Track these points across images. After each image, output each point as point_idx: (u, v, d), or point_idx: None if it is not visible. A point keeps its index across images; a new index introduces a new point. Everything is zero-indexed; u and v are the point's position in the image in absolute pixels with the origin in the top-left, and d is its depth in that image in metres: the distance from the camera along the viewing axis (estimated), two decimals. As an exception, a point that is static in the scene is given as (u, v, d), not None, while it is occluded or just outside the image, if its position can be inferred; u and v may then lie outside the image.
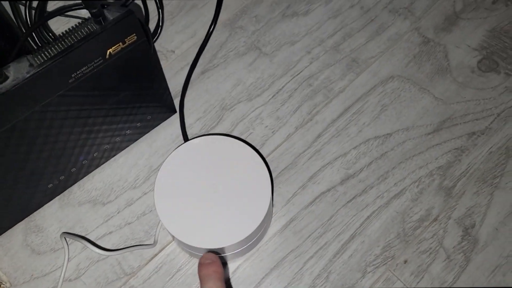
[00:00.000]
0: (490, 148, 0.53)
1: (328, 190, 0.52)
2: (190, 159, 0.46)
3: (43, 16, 0.54)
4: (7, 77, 0.38)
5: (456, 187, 0.51)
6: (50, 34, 0.54)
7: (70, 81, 0.41)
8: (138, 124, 0.52)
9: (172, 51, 0.59)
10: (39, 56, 0.39)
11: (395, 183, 0.52)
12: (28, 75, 0.37)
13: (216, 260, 0.36)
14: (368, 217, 0.50)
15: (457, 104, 0.56)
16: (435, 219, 0.50)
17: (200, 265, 0.36)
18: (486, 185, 0.51)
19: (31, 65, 0.38)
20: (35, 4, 0.56)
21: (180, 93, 0.56)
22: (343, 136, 0.54)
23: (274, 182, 0.52)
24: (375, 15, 0.61)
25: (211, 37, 0.59)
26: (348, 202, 0.51)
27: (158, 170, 0.46)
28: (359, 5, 0.61)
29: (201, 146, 0.47)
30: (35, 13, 0.54)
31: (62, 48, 0.39)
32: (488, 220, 0.50)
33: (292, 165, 0.53)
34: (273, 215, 0.51)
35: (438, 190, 0.51)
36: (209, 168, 0.45)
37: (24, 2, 0.54)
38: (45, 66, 0.38)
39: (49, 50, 0.39)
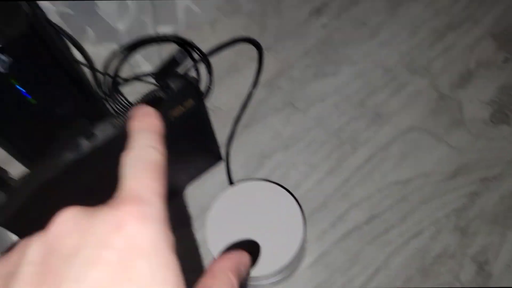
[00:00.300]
0: (501, 193, 0.59)
1: (355, 228, 0.59)
2: (235, 200, 0.55)
3: (117, 82, 0.66)
4: (95, 136, 0.49)
5: (470, 227, 0.58)
6: (123, 98, 0.66)
7: (141, 137, 0.51)
8: (192, 171, 0.62)
9: (219, 108, 0.69)
10: (119, 118, 0.49)
11: (414, 223, 0.59)
12: (112, 134, 0.48)
13: (152, 113, 0.26)
14: (391, 253, 0.57)
15: (471, 153, 0.62)
16: (452, 256, 0.56)
17: (131, 118, 0.25)
18: (498, 226, 0.57)
19: (114, 126, 0.49)
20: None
21: (226, 143, 0.66)
22: (368, 181, 0.62)
23: (307, 220, 0.60)
24: (396, 74, 0.69)
25: (252, 96, 0.69)
26: (373, 239, 0.58)
27: (208, 209, 0.55)
28: (382, 66, 0.70)
29: (244, 189, 0.56)
30: (110, 80, 0.66)
31: (137, 113, 0.49)
32: (501, 257, 0.55)
33: (323, 206, 0.61)
34: (306, 249, 0.58)
35: (454, 230, 0.58)
36: (251, 208, 0.54)
37: (101, 71, 0.67)
38: (125, 127, 0.48)
39: (126, 114, 0.50)
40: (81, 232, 0.18)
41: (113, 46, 0.73)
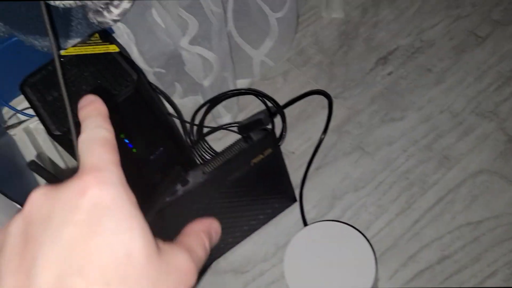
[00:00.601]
0: None
1: (427, 268, 0.61)
2: (309, 240, 0.60)
3: (202, 132, 0.74)
4: (188, 181, 0.56)
5: (546, 270, 0.58)
6: (207, 145, 0.74)
7: (227, 182, 0.58)
8: (269, 211, 0.68)
9: (293, 152, 0.75)
10: (208, 166, 0.57)
11: (488, 265, 0.60)
12: (202, 180, 0.55)
13: (96, 99, 0.26)
14: (463, 294, 0.59)
15: (544, 195, 0.63)
16: (528, 299, 0.57)
17: (78, 109, 0.26)
18: None
19: (203, 172, 0.56)
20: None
21: (300, 185, 0.71)
22: (438, 222, 0.64)
23: (378, 260, 0.63)
24: (463, 118, 0.72)
25: (323, 141, 0.74)
26: (445, 279, 0.60)
27: (284, 247, 0.60)
28: (448, 111, 0.73)
29: (319, 229, 0.60)
30: (196, 129, 0.75)
31: (223, 161, 0.56)
32: None
33: (394, 246, 0.63)
34: (378, 288, 0.61)
35: (529, 272, 0.58)
36: (325, 246, 0.58)
37: (188, 121, 0.75)
38: (213, 173, 0.56)
39: (214, 162, 0.57)
40: (51, 202, 0.21)
41: (198, 99, 0.82)
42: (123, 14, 0.52)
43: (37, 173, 0.39)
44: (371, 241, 0.65)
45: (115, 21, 0.52)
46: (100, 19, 0.51)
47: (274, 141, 0.58)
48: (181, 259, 0.22)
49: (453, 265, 0.61)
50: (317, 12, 0.89)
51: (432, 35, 0.81)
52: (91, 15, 0.52)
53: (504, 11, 0.80)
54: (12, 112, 0.77)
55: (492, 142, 0.69)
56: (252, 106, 0.81)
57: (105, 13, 0.49)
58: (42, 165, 0.40)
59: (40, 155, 0.73)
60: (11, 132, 0.77)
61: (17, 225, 0.21)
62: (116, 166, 0.22)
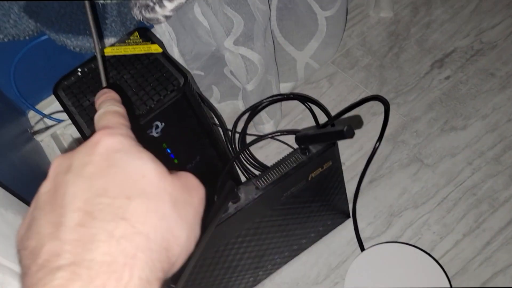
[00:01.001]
0: None
1: (502, 297, 0.55)
2: (371, 264, 0.53)
3: (245, 140, 0.68)
4: (239, 198, 0.50)
5: None
6: (250, 155, 0.68)
7: (281, 198, 0.52)
8: (320, 228, 0.61)
9: (343, 163, 0.69)
10: (261, 180, 0.50)
11: None
12: (256, 196, 0.49)
13: (109, 90, 0.31)
14: (547, 327, 0.52)
15: None
16: None
17: (95, 100, 0.30)
18: None
19: (257, 188, 0.50)
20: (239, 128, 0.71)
21: (352, 200, 0.65)
22: (512, 244, 0.57)
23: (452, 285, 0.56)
24: (534, 127, 0.65)
25: (377, 150, 0.68)
26: (523, 310, 0.53)
27: (337, 268, 0.53)
28: (517, 119, 0.66)
29: (380, 252, 0.54)
30: (239, 137, 0.69)
31: (279, 175, 0.50)
32: None
33: (463, 271, 0.57)
34: (448, 319, 0.55)
35: None
36: (389, 271, 0.52)
37: (230, 129, 0.70)
38: (267, 189, 0.49)
39: (268, 175, 0.51)
40: (70, 157, 0.24)
41: (236, 103, 0.76)
42: (178, 8, 0.46)
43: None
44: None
45: (167, 17, 0.46)
46: (149, 15, 0.45)
47: (336, 153, 0.52)
48: (189, 177, 0.25)
49: (532, 294, 0.54)
50: (363, 11, 0.82)
51: (493, 36, 0.74)
52: (136, 11, 0.46)
53: None
54: (39, 116, 0.72)
55: None
56: (295, 112, 0.75)
57: (157, 8, 0.44)
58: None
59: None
60: (38, 138, 0.71)
61: (45, 184, 0.24)
62: (125, 126, 0.26)
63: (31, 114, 0.74)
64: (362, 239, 0.62)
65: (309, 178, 0.53)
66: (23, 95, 0.71)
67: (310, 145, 0.50)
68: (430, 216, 0.62)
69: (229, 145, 0.69)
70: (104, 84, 0.46)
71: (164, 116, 0.50)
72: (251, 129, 0.74)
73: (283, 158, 0.52)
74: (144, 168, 0.23)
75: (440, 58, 0.74)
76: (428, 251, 0.59)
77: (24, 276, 0.21)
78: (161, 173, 0.23)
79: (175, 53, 0.61)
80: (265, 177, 0.51)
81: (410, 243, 0.60)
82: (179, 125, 0.53)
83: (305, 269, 0.62)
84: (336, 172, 0.55)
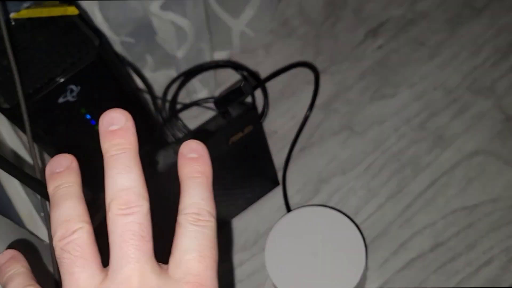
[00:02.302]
0: None
1: (419, 256, 0.57)
2: (294, 226, 0.54)
3: (175, 108, 0.67)
4: (157, 163, 0.50)
5: (547, 258, 0.54)
6: (181, 122, 0.67)
7: (202, 163, 0.52)
8: (248, 195, 0.62)
9: (275, 131, 0.69)
10: (179, 145, 0.50)
11: (483, 252, 0.56)
12: (174, 161, 0.49)
13: (16, 255, 0.28)
14: (458, 283, 0.54)
15: (544, 177, 0.59)
16: (527, 289, 0.53)
17: (181, 159, 0.28)
18: None
19: (175, 152, 0.50)
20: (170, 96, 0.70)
21: (283, 167, 0.66)
22: (431, 207, 0.59)
23: (367, 248, 0.58)
24: (458, 95, 0.67)
25: (308, 119, 0.69)
26: (438, 268, 0.56)
27: (266, 235, 0.54)
28: (442, 87, 0.68)
29: (304, 215, 0.55)
30: (168, 105, 0.68)
31: (198, 139, 0.50)
32: None
33: (384, 233, 0.59)
34: (367, 278, 0.56)
35: (528, 260, 0.54)
36: (311, 234, 0.53)
37: (160, 97, 0.69)
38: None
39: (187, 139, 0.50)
40: None
41: (171, 73, 0.75)
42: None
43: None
44: (360, 227, 0.60)
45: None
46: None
47: (256, 117, 0.52)
48: None
49: (447, 253, 0.56)
50: (302, -20, 0.82)
51: (426, 6, 0.75)
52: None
53: (501, -18, 0.75)
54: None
55: (488, 121, 0.64)
56: (231, 81, 0.74)
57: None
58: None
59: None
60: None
61: None
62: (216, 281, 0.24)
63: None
64: (291, 206, 0.63)
65: (230, 143, 0.53)
66: None
67: (226, 107, 0.50)
68: (357, 182, 0.63)
69: (159, 115, 0.68)
70: (8, 48, 0.44)
71: (79, 79, 0.49)
72: (186, 99, 0.74)
73: (203, 123, 0.52)
74: None
75: (375, 27, 0.75)
76: (353, 215, 0.61)
77: None
78: None
79: (97, 18, 0.60)
80: (183, 141, 0.50)
81: (336, 207, 0.62)
82: (97, 89, 0.52)
83: (233, 236, 0.62)
84: (258, 137, 0.55)
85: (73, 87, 0.49)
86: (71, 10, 0.52)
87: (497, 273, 0.54)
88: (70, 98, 0.50)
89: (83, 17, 0.51)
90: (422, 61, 0.70)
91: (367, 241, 0.59)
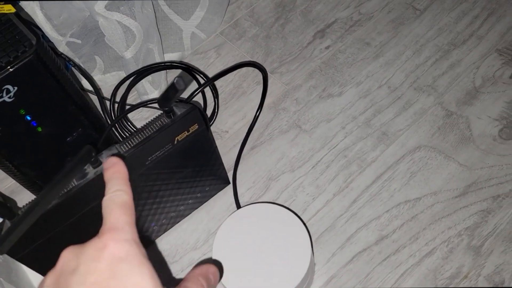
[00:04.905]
0: (514, 210, 0.58)
1: (364, 250, 0.58)
2: (242, 224, 0.55)
3: (124, 110, 0.67)
4: (100, 162, 0.49)
5: (484, 246, 0.56)
6: (130, 124, 0.67)
7: (147, 163, 0.51)
8: (198, 195, 0.62)
9: (226, 131, 0.70)
10: (124, 145, 0.50)
11: (426, 243, 0.57)
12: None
13: (118, 162, 0.34)
14: (402, 274, 0.56)
15: (481, 170, 0.61)
16: (465, 276, 0.55)
17: (103, 170, 0.34)
18: (512, 244, 0.56)
19: (118, 152, 0.49)
20: (117, 98, 0.69)
21: (233, 167, 0.66)
22: (376, 201, 0.61)
23: (315, 243, 0.59)
24: (401, 93, 0.69)
25: (258, 118, 0.69)
26: (383, 260, 0.57)
27: (215, 234, 0.54)
28: (387, 85, 0.70)
29: (251, 212, 0.55)
30: (117, 107, 0.67)
31: (142, 139, 0.50)
32: (517, 277, 0.54)
33: (331, 228, 0.60)
34: (315, 273, 0.57)
35: (467, 249, 0.56)
36: (258, 231, 0.54)
37: (109, 98, 0.68)
38: (129, 153, 0.49)
39: (132, 140, 0.50)
40: (78, 256, 0.27)
41: (122, 74, 0.74)
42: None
43: None
44: (308, 223, 0.61)
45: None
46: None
47: (200, 116, 0.52)
48: None
49: (391, 245, 0.58)
50: (252, -18, 0.83)
51: (371, 8, 0.78)
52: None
53: (442, -15, 0.78)
54: None
55: (430, 117, 0.66)
56: (182, 82, 0.74)
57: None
58: None
59: None
60: None
61: (50, 278, 0.28)
62: (131, 226, 0.29)
63: None
64: (241, 204, 0.63)
65: (175, 142, 0.52)
66: None
67: (171, 106, 0.50)
68: (305, 179, 0.64)
69: (107, 117, 0.67)
70: None
71: (15, 79, 0.48)
72: (137, 101, 0.73)
73: (148, 122, 0.52)
74: (142, 284, 0.26)
75: (322, 28, 0.77)
76: (301, 211, 0.62)
77: None
78: None
79: (39, 17, 0.59)
80: (129, 141, 0.50)
81: (285, 205, 0.62)
82: (36, 89, 0.51)
83: (185, 235, 0.62)
84: (204, 136, 0.55)
85: (9, 87, 0.48)
86: (8, 8, 0.51)
87: (439, 263, 0.56)
88: (6, 98, 0.49)
89: (20, 16, 0.50)
90: (367, 60, 0.72)
91: (315, 236, 0.60)
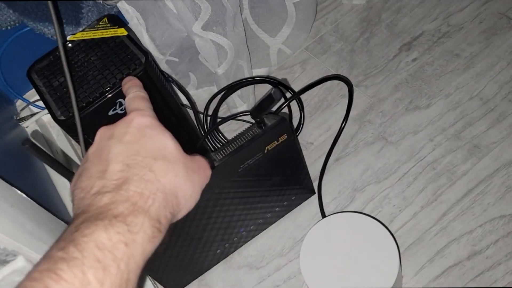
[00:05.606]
0: None
1: (456, 264, 0.56)
2: (328, 232, 0.56)
3: (216, 122, 0.71)
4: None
5: None
6: (221, 135, 0.71)
7: (239, 170, 0.55)
8: (285, 203, 0.64)
9: (311, 143, 0.71)
10: (219, 153, 0.53)
11: (524, 261, 0.55)
12: (213, 168, 0.52)
13: (132, 78, 0.45)
14: (497, 292, 0.54)
15: None
16: None
17: (122, 86, 0.44)
18: None
19: (214, 160, 0.53)
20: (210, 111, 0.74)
21: (318, 177, 0.68)
22: (468, 215, 0.59)
23: (402, 255, 0.58)
24: (494, 104, 0.67)
25: (343, 130, 0.71)
26: (476, 276, 0.55)
27: (302, 241, 0.56)
28: (478, 97, 0.68)
29: (338, 221, 0.56)
30: (210, 119, 0.72)
31: (235, 147, 0.53)
32: None
33: (419, 241, 0.59)
34: (403, 285, 0.57)
35: None
36: (345, 240, 0.55)
37: (202, 112, 0.73)
38: (225, 159, 0.52)
39: (226, 149, 0.54)
40: (111, 128, 0.34)
41: (213, 89, 0.79)
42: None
43: (31, 152, 0.37)
44: (395, 235, 0.60)
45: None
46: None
47: (289, 126, 0.55)
48: (201, 158, 0.36)
49: (485, 261, 0.56)
50: (337, -1, 0.85)
51: (460, 19, 0.76)
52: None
53: (539, -8, 0.75)
54: (25, 104, 0.76)
55: (527, 130, 0.63)
56: (269, 96, 0.77)
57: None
58: (37, 144, 0.38)
59: (35, 137, 0.72)
60: (24, 124, 0.76)
61: (93, 147, 0.34)
62: (151, 109, 0.37)
63: (19, 103, 0.78)
64: (326, 214, 0.64)
65: (265, 151, 0.55)
66: (10, 84, 0.75)
67: (262, 118, 0.53)
68: (391, 190, 0.64)
69: (201, 128, 0.72)
70: (65, 67, 0.49)
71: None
72: (227, 114, 0.78)
73: (240, 132, 0.55)
74: (166, 141, 0.33)
75: (408, 41, 0.76)
76: (387, 223, 0.62)
77: (79, 202, 0.30)
78: (179, 149, 0.33)
79: (145, 38, 0.65)
80: (223, 150, 0.54)
81: (371, 215, 0.62)
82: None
83: (271, 242, 0.65)
84: (292, 146, 0.57)
85: (121, 100, 0.54)
86: (121, 31, 0.58)
87: (539, 282, 0.53)
88: (119, 111, 0.55)
89: (132, 38, 0.57)
90: (457, 72, 0.71)
91: (402, 248, 0.59)
